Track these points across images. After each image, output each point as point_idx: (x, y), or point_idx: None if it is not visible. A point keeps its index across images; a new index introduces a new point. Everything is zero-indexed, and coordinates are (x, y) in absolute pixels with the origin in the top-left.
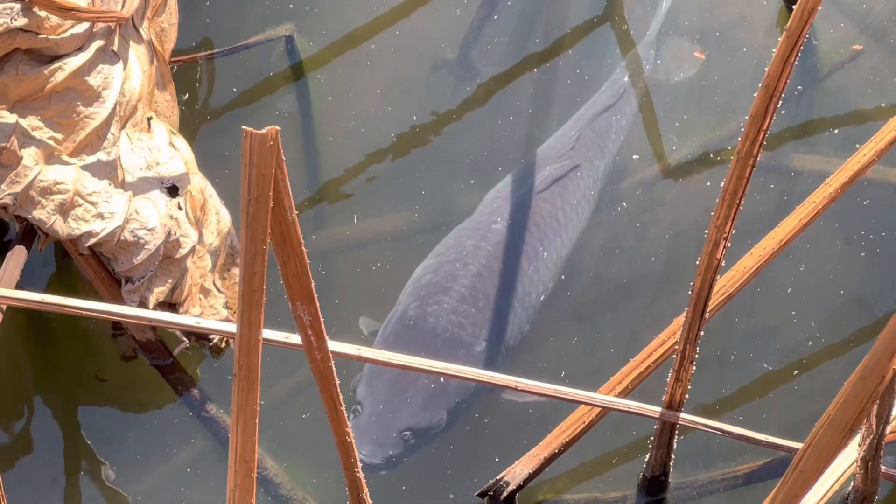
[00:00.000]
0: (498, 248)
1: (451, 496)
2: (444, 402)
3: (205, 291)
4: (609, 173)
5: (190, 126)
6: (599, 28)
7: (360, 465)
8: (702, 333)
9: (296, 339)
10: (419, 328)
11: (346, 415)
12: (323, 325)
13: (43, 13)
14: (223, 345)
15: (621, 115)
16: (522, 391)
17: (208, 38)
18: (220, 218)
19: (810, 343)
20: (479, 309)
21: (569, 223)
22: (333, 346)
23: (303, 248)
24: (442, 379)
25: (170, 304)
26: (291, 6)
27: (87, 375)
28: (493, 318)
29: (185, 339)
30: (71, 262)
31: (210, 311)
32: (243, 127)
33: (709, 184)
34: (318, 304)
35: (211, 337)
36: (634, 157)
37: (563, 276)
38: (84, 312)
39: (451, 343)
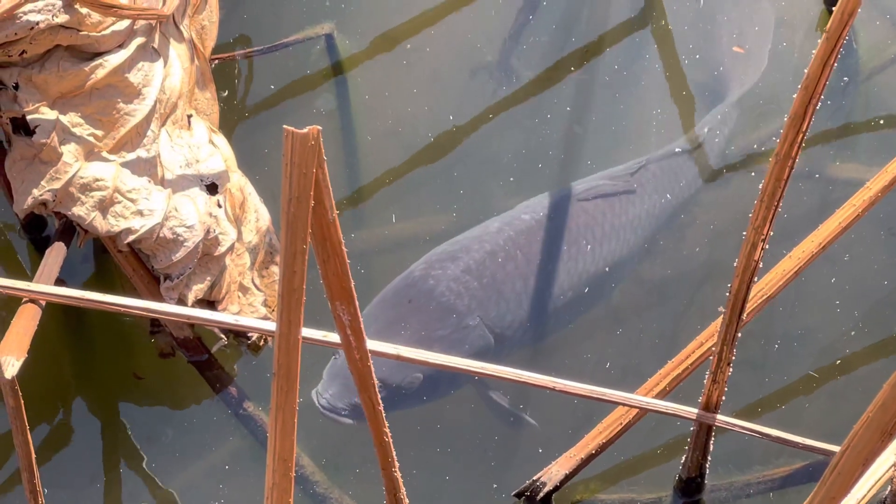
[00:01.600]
0: (521, 237)
1: (495, 485)
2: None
3: (243, 289)
4: (670, 217)
5: (229, 123)
6: (638, 30)
7: (396, 466)
8: (739, 335)
9: (334, 337)
10: (417, 287)
11: (383, 414)
12: (362, 325)
13: (84, 10)
14: (261, 343)
15: (696, 165)
16: (560, 391)
17: (247, 36)
18: (259, 216)
19: (849, 345)
20: (483, 285)
21: (606, 242)
22: (372, 345)
23: (343, 247)
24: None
25: (208, 302)
26: (328, 3)
27: (125, 372)
28: (496, 299)
29: (223, 336)
30: (110, 259)
31: (249, 309)
32: (284, 126)
33: (748, 186)
34: (357, 304)
35: (249, 335)
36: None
37: (586, 290)
38: (123, 309)
39: (443, 308)
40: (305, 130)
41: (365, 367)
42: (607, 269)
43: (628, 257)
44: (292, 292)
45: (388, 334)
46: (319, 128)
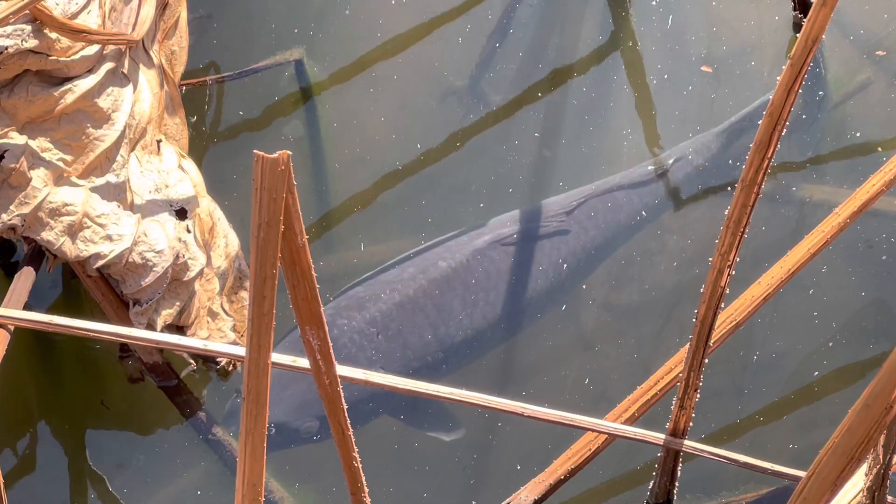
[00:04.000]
0: (433, 287)
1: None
2: (316, 410)
3: (213, 314)
4: (609, 254)
5: (198, 149)
6: (608, 53)
7: (365, 491)
8: (706, 361)
9: (304, 362)
10: None
11: (353, 439)
12: (332, 350)
13: (54, 35)
14: (230, 368)
15: (641, 203)
16: (529, 416)
17: (216, 62)
18: (228, 241)
19: (817, 372)
20: (388, 338)
21: (529, 284)
22: (341, 370)
23: (312, 272)
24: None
25: (177, 327)
26: (296, 30)
27: (94, 398)
28: (400, 352)
29: (192, 361)
30: (79, 284)
31: (218, 334)
32: (255, 151)
33: (716, 212)
34: (326, 329)
35: (218, 360)
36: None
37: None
38: (92, 334)
39: (346, 359)
40: (275, 155)
41: (334, 392)
42: (530, 311)
43: (551, 300)
44: (262, 317)
45: (285, 380)
46: (289, 153)
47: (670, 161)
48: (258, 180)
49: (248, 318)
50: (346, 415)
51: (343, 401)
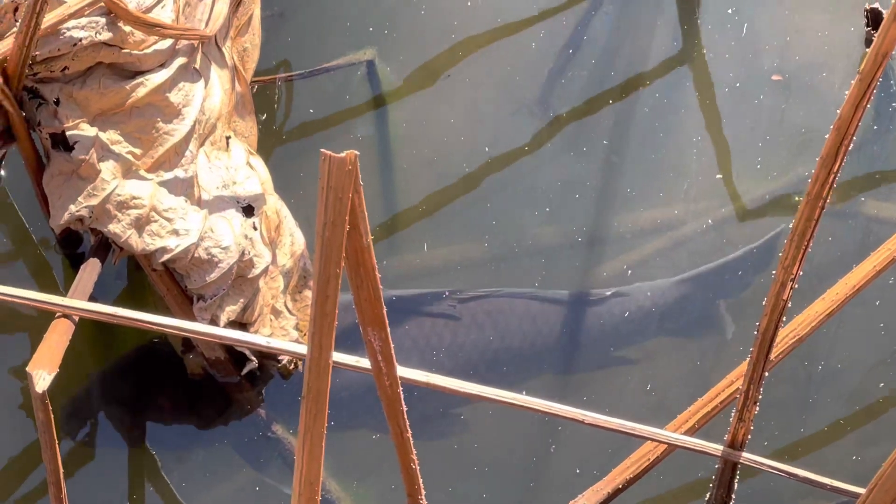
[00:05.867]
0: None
1: None
2: None
3: (276, 312)
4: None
5: (267, 147)
6: (679, 61)
7: (422, 493)
8: (766, 374)
9: (365, 363)
10: None
11: (411, 441)
12: (393, 351)
13: (127, 28)
14: (292, 367)
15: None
16: (589, 424)
17: (287, 60)
18: (293, 240)
19: (882, 384)
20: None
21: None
22: (402, 371)
23: (376, 273)
24: None
25: (240, 324)
26: (371, 29)
27: (155, 391)
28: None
29: (254, 359)
30: (143, 277)
31: (280, 333)
32: (322, 150)
33: (782, 227)
34: (388, 330)
35: (280, 358)
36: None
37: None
38: (156, 327)
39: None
40: (343, 155)
41: (394, 393)
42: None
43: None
44: (324, 316)
45: None
46: (357, 153)
47: (608, 292)
48: (325, 179)
49: (311, 317)
50: (406, 417)
51: (403, 402)
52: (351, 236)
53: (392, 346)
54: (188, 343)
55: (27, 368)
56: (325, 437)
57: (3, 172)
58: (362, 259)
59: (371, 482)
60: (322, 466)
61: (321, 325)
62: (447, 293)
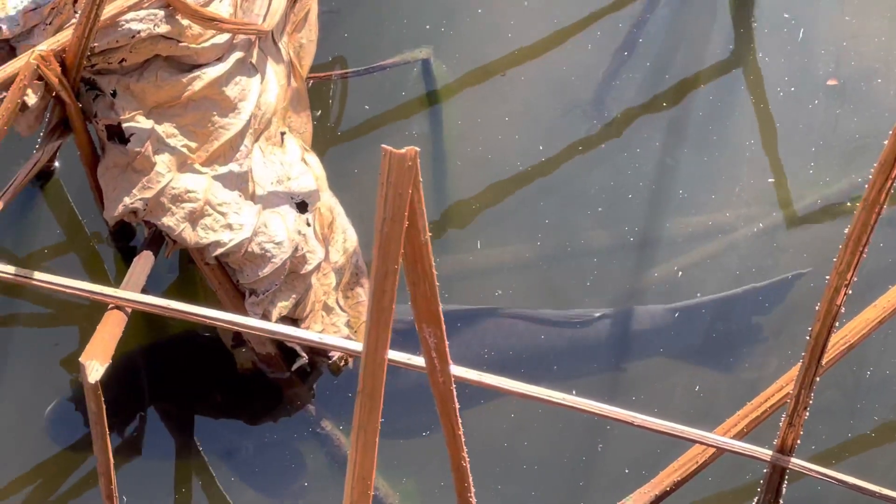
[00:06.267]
0: None
1: None
2: None
3: (327, 309)
4: None
5: (321, 143)
6: (734, 64)
7: (472, 491)
8: (817, 380)
9: (418, 360)
10: None
11: (463, 439)
12: (447, 349)
13: (185, 22)
14: (342, 363)
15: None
16: (639, 426)
17: (342, 57)
18: (346, 237)
19: None
20: None
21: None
22: (455, 370)
23: (433, 270)
24: None
25: (292, 320)
26: (428, 27)
27: (204, 385)
28: None
29: (304, 354)
30: (195, 271)
31: (332, 329)
32: (383, 146)
33: (834, 233)
34: (444, 328)
35: (331, 354)
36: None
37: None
38: (208, 321)
39: None
40: (403, 151)
41: (448, 391)
42: None
43: None
44: (381, 312)
45: None
46: (417, 149)
47: (597, 314)
48: (385, 175)
49: (368, 313)
50: (458, 415)
51: (456, 400)
52: (409, 233)
53: (446, 343)
54: (238, 337)
55: (80, 359)
56: (378, 433)
57: (57, 164)
58: (419, 255)
59: (419, 479)
60: (375, 461)
61: (377, 320)
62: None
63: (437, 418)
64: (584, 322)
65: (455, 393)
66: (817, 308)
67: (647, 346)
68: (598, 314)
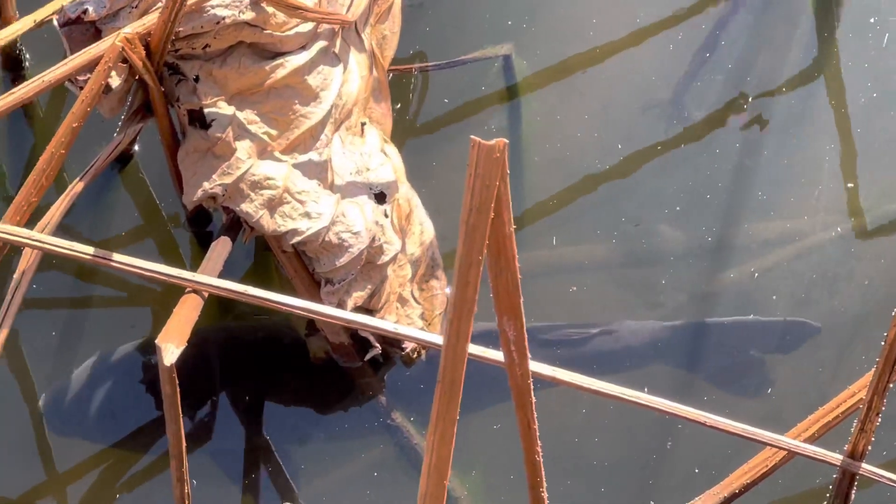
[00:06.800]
0: None
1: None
2: None
3: (402, 300)
4: None
5: (401, 135)
6: (816, 69)
7: (544, 486)
8: (891, 386)
9: (493, 354)
10: None
11: (537, 433)
12: (526, 343)
13: (270, 9)
14: (415, 355)
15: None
16: (711, 427)
17: (424, 51)
18: (423, 229)
19: None
20: None
21: None
22: (533, 366)
23: (516, 263)
24: None
25: (367, 310)
26: (510, 23)
27: (277, 373)
28: None
29: (377, 345)
30: (270, 258)
31: (406, 321)
32: (472, 136)
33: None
34: (524, 321)
35: (404, 346)
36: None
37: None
38: (284, 308)
39: None
40: (492, 142)
41: (525, 385)
42: None
43: None
44: (464, 303)
45: None
46: (506, 141)
47: (596, 330)
48: (473, 166)
49: (450, 304)
50: (534, 409)
51: (532, 394)
52: (494, 224)
53: (525, 337)
54: (312, 326)
55: (156, 341)
56: (456, 424)
57: (137, 148)
58: (503, 247)
59: (489, 473)
60: (452, 452)
61: (460, 311)
62: None
63: (508, 411)
64: (582, 339)
65: (532, 387)
66: (894, 314)
67: (641, 359)
68: (595, 330)
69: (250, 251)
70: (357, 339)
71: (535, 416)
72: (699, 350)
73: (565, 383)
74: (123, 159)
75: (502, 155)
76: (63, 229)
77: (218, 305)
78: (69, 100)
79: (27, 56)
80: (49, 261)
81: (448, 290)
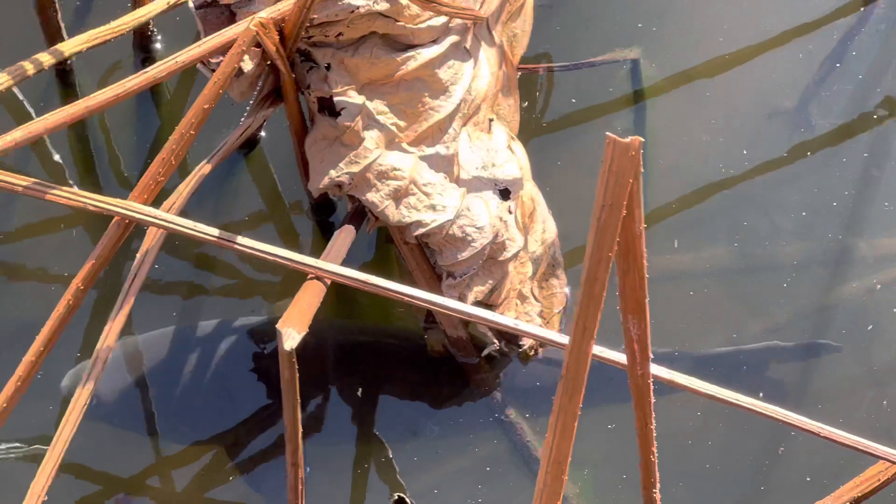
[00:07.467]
0: None
1: None
2: None
3: (522, 297)
4: None
5: (526, 133)
6: None
7: (657, 487)
8: None
9: (612, 354)
10: None
11: (654, 433)
12: (649, 342)
13: (404, 1)
14: (532, 353)
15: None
16: (825, 438)
17: (550, 51)
18: (545, 227)
19: None
20: None
21: None
22: (654, 369)
23: (645, 261)
24: None
25: (486, 305)
26: (640, 26)
27: (393, 364)
28: None
29: (495, 341)
30: (390, 250)
31: (524, 318)
32: (608, 133)
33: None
34: (648, 321)
35: (521, 342)
36: None
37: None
38: (406, 298)
39: None
40: (628, 140)
41: (645, 385)
42: None
43: None
44: (591, 298)
45: None
46: (642, 139)
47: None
48: (607, 162)
49: (578, 299)
50: (652, 409)
51: (652, 394)
52: (626, 221)
53: (649, 337)
54: (430, 319)
55: (277, 326)
56: (578, 418)
57: (263, 133)
58: (632, 245)
59: (601, 471)
60: (572, 446)
61: (587, 306)
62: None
63: (621, 412)
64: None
65: (652, 388)
66: None
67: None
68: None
69: (371, 243)
70: (475, 335)
71: (654, 416)
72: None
73: (682, 387)
74: (249, 145)
75: (637, 153)
76: (184, 213)
77: (336, 299)
78: (196, 84)
79: (158, 37)
80: (166, 245)
81: (567, 290)
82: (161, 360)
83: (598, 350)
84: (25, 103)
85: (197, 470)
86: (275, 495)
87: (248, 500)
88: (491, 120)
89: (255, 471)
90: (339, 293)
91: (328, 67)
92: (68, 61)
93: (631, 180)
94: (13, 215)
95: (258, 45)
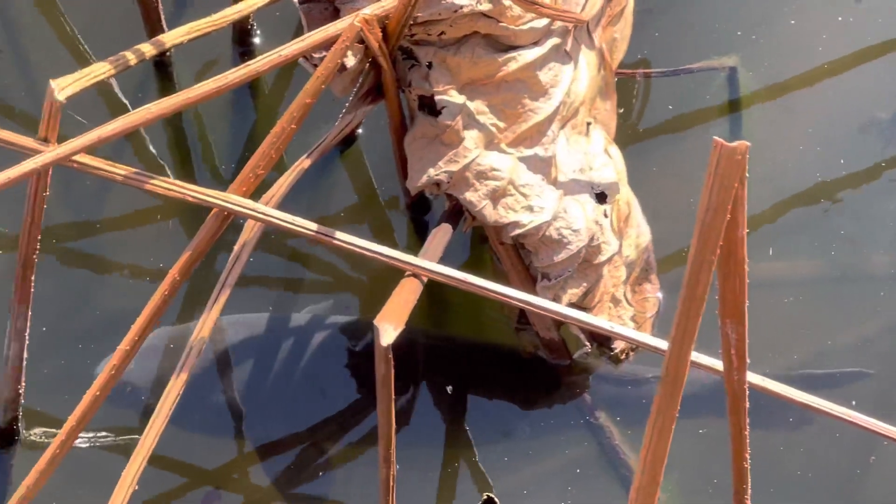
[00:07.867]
0: None
1: None
2: None
3: (615, 301)
4: None
5: (623, 138)
6: None
7: (749, 493)
8: None
9: (707, 360)
10: None
11: (748, 439)
12: (747, 348)
13: (507, 2)
14: (623, 356)
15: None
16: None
17: (648, 57)
18: (640, 232)
19: None
20: None
21: None
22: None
23: (746, 267)
24: None
25: (580, 308)
26: (739, 34)
27: (485, 364)
28: None
29: (587, 343)
30: (485, 250)
31: (617, 321)
32: (714, 137)
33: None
34: (747, 326)
35: (613, 346)
36: None
37: None
38: (503, 298)
39: None
40: (735, 144)
41: (740, 390)
42: None
43: None
44: (693, 301)
45: None
46: (748, 144)
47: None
48: (713, 165)
49: (680, 301)
50: (747, 414)
51: (746, 399)
52: (729, 225)
53: (746, 341)
54: (523, 320)
55: (375, 321)
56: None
57: (360, 130)
58: (735, 250)
59: (691, 475)
60: (668, 448)
61: (689, 309)
62: None
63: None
64: (637, 381)
65: (747, 393)
66: None
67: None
68: (650, 375)
69: (466, 243)
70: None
71: (748, 422)
72: None
73: (775, 394)
74: (347, 141)
75: (743, 157)
76: (279, 207)
77: (428, 300)
78: (295, 80)
79: (258, 32)
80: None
81: (660, 295)
82: (251, 347)
83: (694, 356)
84: (120, 94)
85: (285, 465)
86: (363, 493)
87: (337, 496)
88: (589, 123)
89: (344, 467)
90: (432, 293)
91: (430, 66)
92: (167, 53)
93: (736, 184)
94: (104, 206)
95: (361, 41)
